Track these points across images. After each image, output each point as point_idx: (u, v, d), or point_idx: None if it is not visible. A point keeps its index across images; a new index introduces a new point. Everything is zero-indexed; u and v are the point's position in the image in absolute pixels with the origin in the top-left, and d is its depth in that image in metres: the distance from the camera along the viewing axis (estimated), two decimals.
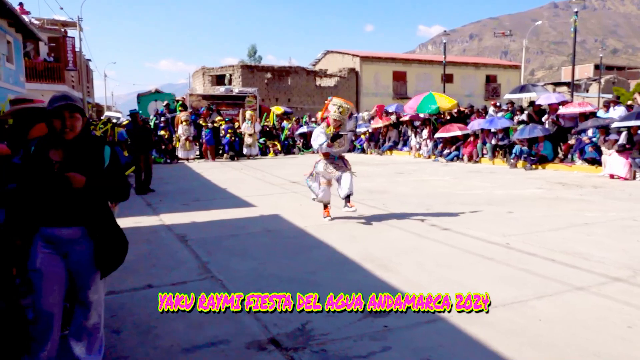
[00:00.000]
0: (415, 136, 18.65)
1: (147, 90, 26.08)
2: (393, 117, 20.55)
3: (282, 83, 34.89)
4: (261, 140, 20.47)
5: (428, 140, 17.83)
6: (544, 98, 14.70)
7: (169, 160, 18.20)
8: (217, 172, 14.20)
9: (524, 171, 12.98)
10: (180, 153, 18.52)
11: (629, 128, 11.14)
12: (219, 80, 33.73)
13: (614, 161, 10.97)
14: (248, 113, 20.08)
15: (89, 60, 38.58)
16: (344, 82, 36.21)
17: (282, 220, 7.12)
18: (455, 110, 18.39)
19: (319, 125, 7.49)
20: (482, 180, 11.25)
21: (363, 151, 20.91)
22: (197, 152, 19.55)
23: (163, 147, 18.30)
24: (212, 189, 10.79)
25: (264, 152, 20.37)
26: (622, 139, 11.11)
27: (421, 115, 18.68)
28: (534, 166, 13.22)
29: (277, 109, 26.01)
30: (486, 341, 3.13)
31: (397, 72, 38.53)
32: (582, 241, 5.55)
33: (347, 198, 6.79)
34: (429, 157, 17.20)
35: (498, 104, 17.73)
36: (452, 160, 15.84)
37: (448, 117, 18.09)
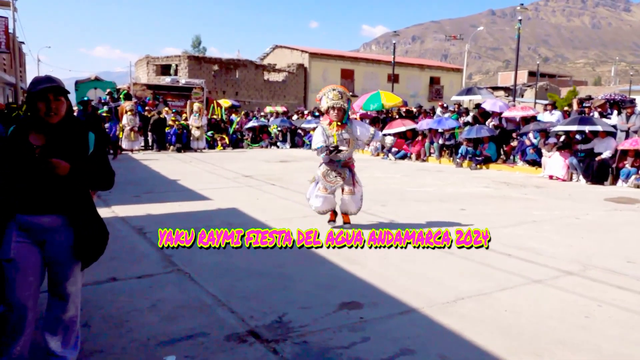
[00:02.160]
0: None
1: (86, 78, 24.93)
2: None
3: (229, 76, 34.38)
4: (209, 134, 20.10)
5: None
6: (490, 104, 15.31)
7: (111, 151, 17.51)
8: (165, 164, 13.83)
9: (469, 170, 13.49)
10: (124, 144, 17.83)
11: (567, 132, 11.85)
12: (164, 70, 32.79)
13: (553, 163, 11.63)
14: (196, 105, 19.65)
15: (22, 42, 36.35)
16: (293, 77, 36.17)
17: (242, 214, 7.06)
18: (404, 110, 18.87)
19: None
20: (432, 178, 11.61)
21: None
22: (142, 143, 18.96)
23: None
24: (163, 181, 10.52)
25: (211, 145, 20.02)
26: (562, 140, 11.82)
27: (369, 113, 19.11)
28: (478, 166, 13.78)
29: (225, 102, 25.60)
30: (460, 331, 3.26)
31: (345, 70, 38.95)
32: (533, 237, 5.86)
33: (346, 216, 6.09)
34: (377, 155, 17.52)
35: (445, 105, 18.31)
36: (401, 158, 16.21)
37: (397, 117, 18.50)
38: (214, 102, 23.86)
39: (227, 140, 20.60)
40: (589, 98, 15.72)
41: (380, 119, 18.66)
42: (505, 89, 50.67)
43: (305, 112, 25.68)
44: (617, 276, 4.46)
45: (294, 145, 21.74)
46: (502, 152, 14.26)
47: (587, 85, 69.80)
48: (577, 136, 11.71)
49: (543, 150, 12.27)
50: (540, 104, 28.71)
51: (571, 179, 11.33)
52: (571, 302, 3.82)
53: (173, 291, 3.95)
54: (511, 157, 13.87)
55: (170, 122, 18.96)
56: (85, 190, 2.63)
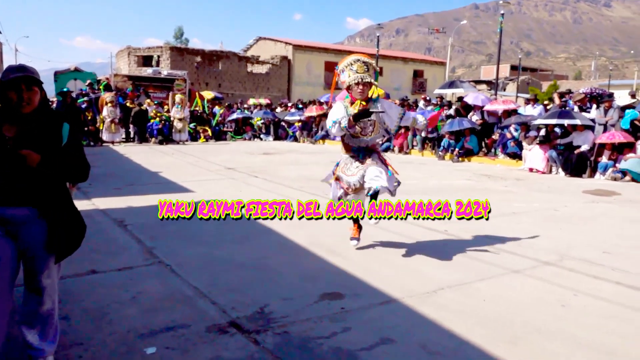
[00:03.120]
0: None
1: (66, 68, 24.52)
2: (325, 107, 20.75)
3: (212, 67, 34.10)
4: (191, 126, 19.94)
5: None
6: (473, 98, 15.44)
7: (92, 143, 17.29)
8: (147, 156, 13.69)
9: (451, 163, 13.62)
10: (105, 136, 17.63)
11: (546, 125, 12.02)
12: (146, 61, 32.38)
13: (534, 156, 11.80)
14: (178, 97, 19.46)
15: None
16: (276, 69, 36.01)
17: None
18: None
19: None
20: (415, 170, 11.69)
21: (295, 139, 20.96)
22: (123, 135, 18.76)
23: (86, 128, 17.35)
24: (145, 174, 10.41)
25: (194, 137, 19.87)
26: (542, 134, 11.99)
27: None
28: (460, 159, 13.91)
29: (208, 94, 25.40)
30: (440, 320, 3.30)
31: (328, 62, 38.81)
32: (513, 229, 5.95)
33: (374, 197, 4.42)
34: None
35: (428, 98, 18.41)
36: (384, 151, 16.26)
37: None
38: (197, 94, 23.63)
39: (209, 133, 20.46)
40: (569, 92, 15.92)
41: None
42: (488, 82, 51.14)
43: (289, 104, 25.61)
44: (594, 266, 4.56)
45: (277, 137, 21.70)
46: (483, 145, 14.41)
47: (568, 80, 70.87)
48: (557, 129, 11.89)
49: (524, 144, 12.43)
50: (521, 97, 29.02)
51: (551, 172, 11.51)
52: (548, 292, 3.89)
53: (154, 283, 3.93)
54: (492, 150, 14.04)
55: (152, 115, 18.77)
56: (60, 182, 2.59)
